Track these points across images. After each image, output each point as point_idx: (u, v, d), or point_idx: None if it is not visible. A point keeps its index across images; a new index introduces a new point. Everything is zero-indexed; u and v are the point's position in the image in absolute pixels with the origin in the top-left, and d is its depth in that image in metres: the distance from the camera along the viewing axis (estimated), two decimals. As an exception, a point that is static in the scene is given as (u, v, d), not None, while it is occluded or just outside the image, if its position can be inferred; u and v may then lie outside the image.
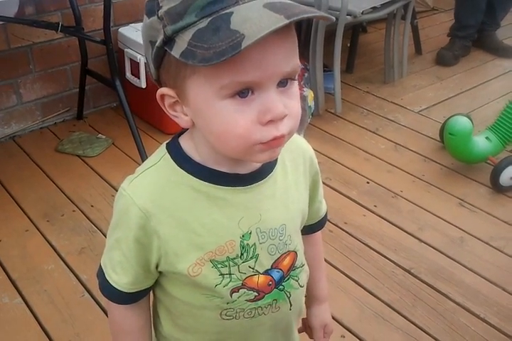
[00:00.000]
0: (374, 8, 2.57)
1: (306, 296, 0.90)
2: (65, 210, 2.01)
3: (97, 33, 2.37)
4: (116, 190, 0.76)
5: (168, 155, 0.72)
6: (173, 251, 0.71)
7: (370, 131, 2.55)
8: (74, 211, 2.01)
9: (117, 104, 2.60)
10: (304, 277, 0.82)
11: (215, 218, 0.71)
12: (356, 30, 3.10)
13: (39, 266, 1.77)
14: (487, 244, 1.89)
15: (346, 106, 2.72)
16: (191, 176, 0.71)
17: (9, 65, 2.33)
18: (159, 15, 0.63)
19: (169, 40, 0.62)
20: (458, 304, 1.66)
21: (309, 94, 2.44)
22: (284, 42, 0.62)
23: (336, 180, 2.20)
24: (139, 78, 2.39)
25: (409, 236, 1.92)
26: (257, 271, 0.74)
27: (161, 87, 0.68)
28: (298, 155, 0.80)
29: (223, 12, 0.59)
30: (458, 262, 1.81)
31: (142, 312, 0.80)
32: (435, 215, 2.02)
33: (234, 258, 0.72)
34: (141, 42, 2.27)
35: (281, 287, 0.77)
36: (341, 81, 2.66)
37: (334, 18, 0.64)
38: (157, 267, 0.74)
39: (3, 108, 2.40)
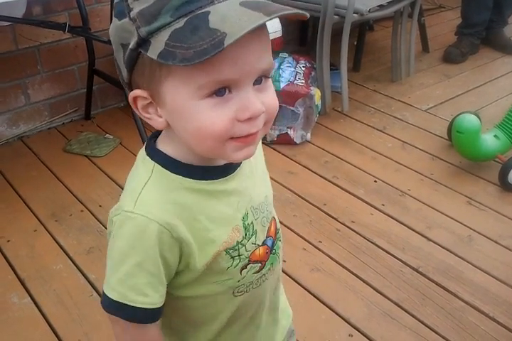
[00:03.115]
0: (381, 6, 2.56)
1: None
2: (73, 210, 2.02)
3: (104, 33, 2.37)
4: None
5: (157, 166, 0.72)
6: (195, 252, 0.72)
7: (378, 129, 2.54)
8: (82, 211, 2.01)
9: (125, 104, 2.61)
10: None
11: (218, 210, 0.73)
12: (363, 28, 3.09)
13: (47, 266, 1.78)
14: (495, 242, 1.88)
15: (353, 104, 2.71)
16: (187, 179, 0.71)
17: (17, 65, 2.35)
18: (131, 16, 0.62)
19: (143, 42, 0.62)
20: (466, 303, 1.65)
21: (316, 92, 2.44)
22: (259, 40, 0.62)
23: (343, 178, 2.20)
24: (145, 78, 2.40)
25: (417, 234, 1.91)
26: (258, 245, 0.78)
27: (133, 89, 0.68)
28: None
29: (199, 12, 0.59)
30: (466, 261, 1.80)
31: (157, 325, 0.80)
32: (443, 214, 2.01)
33: (241, 241, 0.75)
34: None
35: (273, 251, 0.82)
36: (348, 79, 2.66)
37: (308, 15, 0.63)
38: (176, 270, 0.74)
39: (12, 108, 2.41)
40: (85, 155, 2.31)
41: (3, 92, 2.36)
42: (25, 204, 2.05)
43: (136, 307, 0.71)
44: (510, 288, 1.70)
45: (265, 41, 0.64)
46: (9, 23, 2.21)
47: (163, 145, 0.73)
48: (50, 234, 1.91)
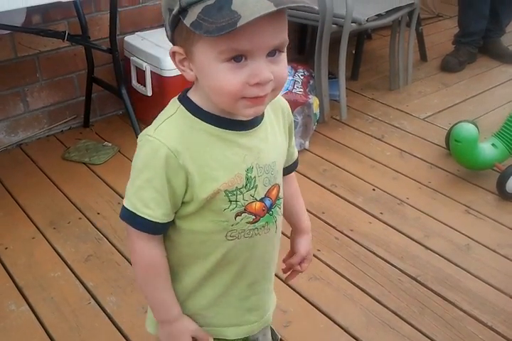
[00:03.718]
0: (379, 16, 2.58)
1: (292, 230, 1.12)
2: (72, 218, 2.02)
3: (103, 42, 2.38)
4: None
5: (182, 107, 0.86)
6: (196, 184, 0.84)
7: (376, 137, 2.55)
8: (80, 218, 2.01)
9: (123, 112, 2.61)
10: (282, 207, 0.97)
11: (226, 155, 0.85)
12: (361, 37, 3.11)
13: (46, 274, 1.77)
14: (494, 251, 1.88)
15: (351, 113, 2.72)
16: (204, 122, 0.84)
17: (16, 73, 2.35)
18: None
19: (183, 11, 0.76)
20: (465, 312, 1.65)
21: (314, 101, 2.44)
22: (272, 22, 0.75)
23: (341, 187, 2.20)
24: (144, 86, 2.40)
25: (416, 243, 1.91)
26: (255, 199, 0.89)
27: (174, 45, 0.83)
28: (277, 107, 0.95)
29: None
30: (465, 269, 1.80)
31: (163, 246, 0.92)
32: (441, 222, 2.01)
33: (240, 188, 0.87)
34: (147, 50, 2.29)
35: (270, 212, 0.93)
36: (346, 88, 2.67)
37: (317, 7, 0.77)
38: (183, 198, 0.86)
39: (11, 116, 2.41)
40: (84, 163, 2.31)
41: (2, 100, 2.36)
42: (24, 211, 2.05)
43: (140, 216, 0.85)
44: (508, 297, 1.70)
45: (278, 23, 0.76)
46: (9, 32, 2.21)
47: (192, 94, 0.87)
48: (48, 241, 1.91)
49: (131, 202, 0.86)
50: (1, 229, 1.95)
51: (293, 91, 2.41)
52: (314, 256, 1.84)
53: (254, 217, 0.90)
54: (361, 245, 1.90)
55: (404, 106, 2.80)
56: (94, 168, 2.28)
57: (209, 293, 0.95)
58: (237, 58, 0.76)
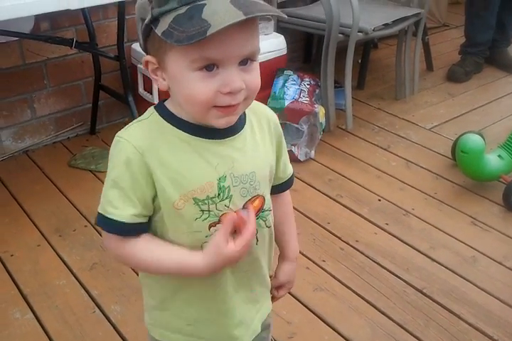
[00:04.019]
0: (385, 25, 2.59)
1: (279, 253, 1.07)
2: (77, 225, 2.02)
3: (111, 49, 2.39)
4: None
5: (156, 113, 0.86)
6: (162, 187, 0.83)
7: (382, 147, 2.54)
8: (86, 226, 2.01)
9: (130, 119, 2.60)
10: (270, 219, 0.95)
11: (195, 162, 0.84)
12: (367, 46, 3.11)
13: (51, 282, 1.77)
14: (500, 263, 1.87)
15: (357, 122, 2.72)
16: (176, 128, 0.84)
17: (24, 80, 2.36)
18: None
19: (155, 20, 0.77)
20: (470, 325, 1.64)
21: (320, 110, 2.44)
22: (242, 31, 0.75)
23: (347, 197, 2.20)
24: (151, 94, 2.41)
25: (421, 255, 1.91)
26: (231, 209, 0.86)
27: (147, 54, 0.83)
28: (262, 118, 0.94)
29: (199, 3, 0.74)
30: (470, 282, 1.79)
31: (148, 237, 0.87)
32: (447, 234, 2.00)
33: (213, 198, 0.85)
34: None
35: None
36: (352, 97, 2.67)
37: (286, 16, 0.77)
38: (153, 202, 0.85)
39: (18, 122, 2.42)
40: (90, 170, 2.31)
41: (9, 106, 2.37)
42: (29, 218, 2.05)
43: (107, 217, 0.84)
44: (514, 310, 1.70)
45: (247, 32, 0.77)
46: (17, 38, 2.23)
47: (168, 103, 0.87)
48: (53, 249, 1.91)
49: (101, 205, 0.85)
50: (6, 236, 1.96)
51: (299, 100, 2.42)
52: (319, 266, 1.85)
53: None
54: (366, 256, 1.90)
55: (410, 116, 2.80)
56: (100, 175, 2.28)
57: (189, 306, 0.94)
58: (209, 67, 0.76)
